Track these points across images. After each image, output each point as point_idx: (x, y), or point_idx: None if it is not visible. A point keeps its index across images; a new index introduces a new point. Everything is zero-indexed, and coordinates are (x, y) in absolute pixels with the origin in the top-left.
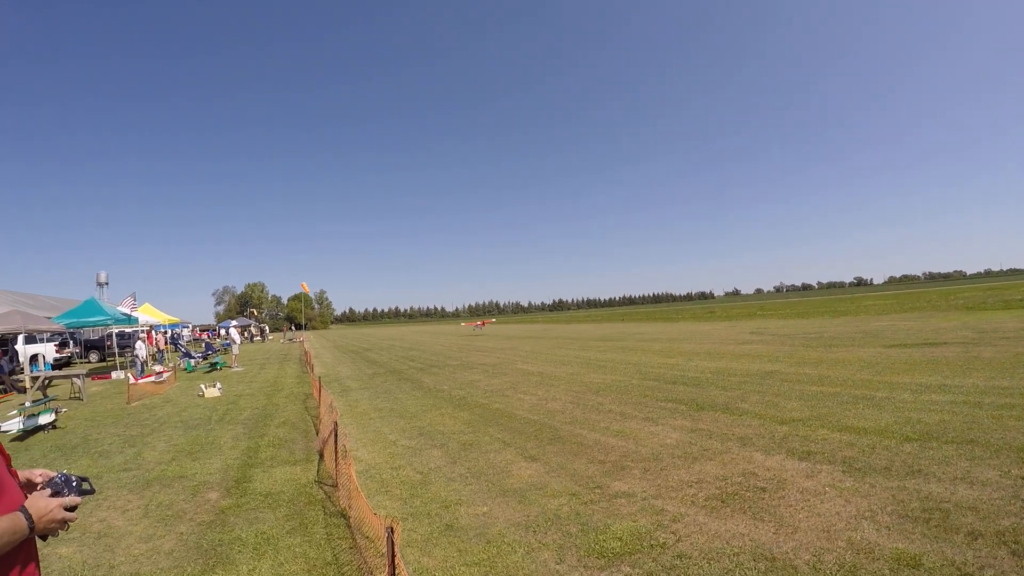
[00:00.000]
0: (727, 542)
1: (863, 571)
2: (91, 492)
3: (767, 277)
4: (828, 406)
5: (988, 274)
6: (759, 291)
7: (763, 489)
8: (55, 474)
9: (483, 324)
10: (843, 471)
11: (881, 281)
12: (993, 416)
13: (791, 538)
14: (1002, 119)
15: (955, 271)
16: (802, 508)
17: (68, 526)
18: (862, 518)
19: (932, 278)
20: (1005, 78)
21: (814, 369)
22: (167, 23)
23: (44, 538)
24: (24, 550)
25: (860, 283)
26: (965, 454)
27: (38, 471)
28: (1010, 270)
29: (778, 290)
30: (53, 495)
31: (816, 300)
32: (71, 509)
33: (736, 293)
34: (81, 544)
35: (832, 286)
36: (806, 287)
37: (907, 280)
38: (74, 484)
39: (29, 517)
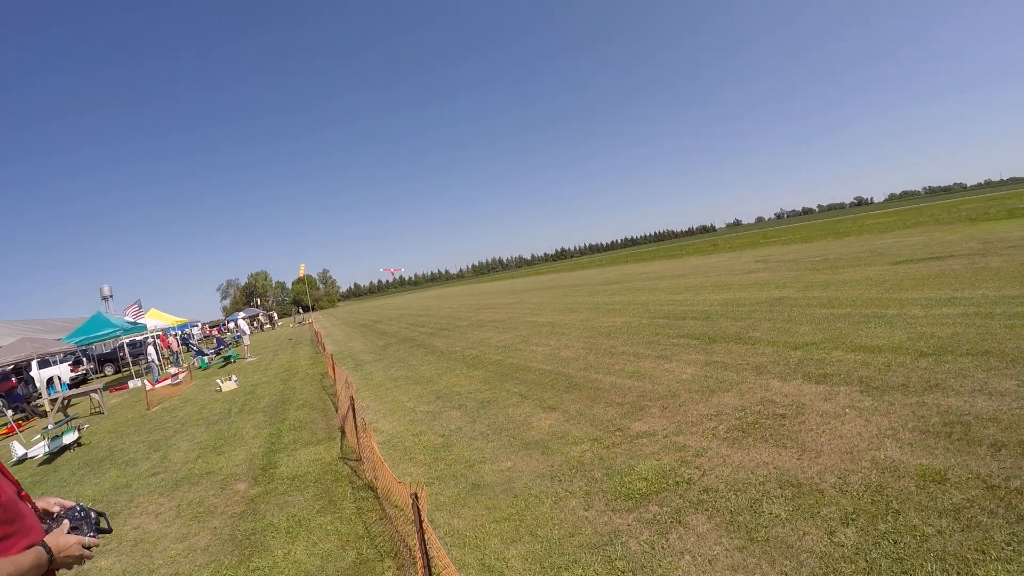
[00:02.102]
0: (752, 472)
1: (889, 490)
2: (108, 531)
3: (767, 205)
4: (840, 327)
5: (989, 184)
6: (760, 219)
7: (783, 416)
8: (72, 504)
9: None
10: (861, 391)
11: (881, 199)
12: (1006, 326)
13: (815, 462)
14: (996, 28)
15: (955, 183)
16: (823, 432)
17: (84, 562)
18: (884, 437)
19: (932, 192)
20: None
21: (822, 292)
22: (135, 20)
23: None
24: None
25: (860, 203)
26: (981, 365)
27: (53, 500)
28: (1011, 179)
29: (779, 217)
30: (71, 529)
31: (818, 223)
32: (88, 547)
33: (737, 224)
34: (119, 554)
35: (833, 208)
36: (807, 211)
37: (908, 196)
38: (93, 520)
39: (49, 552)
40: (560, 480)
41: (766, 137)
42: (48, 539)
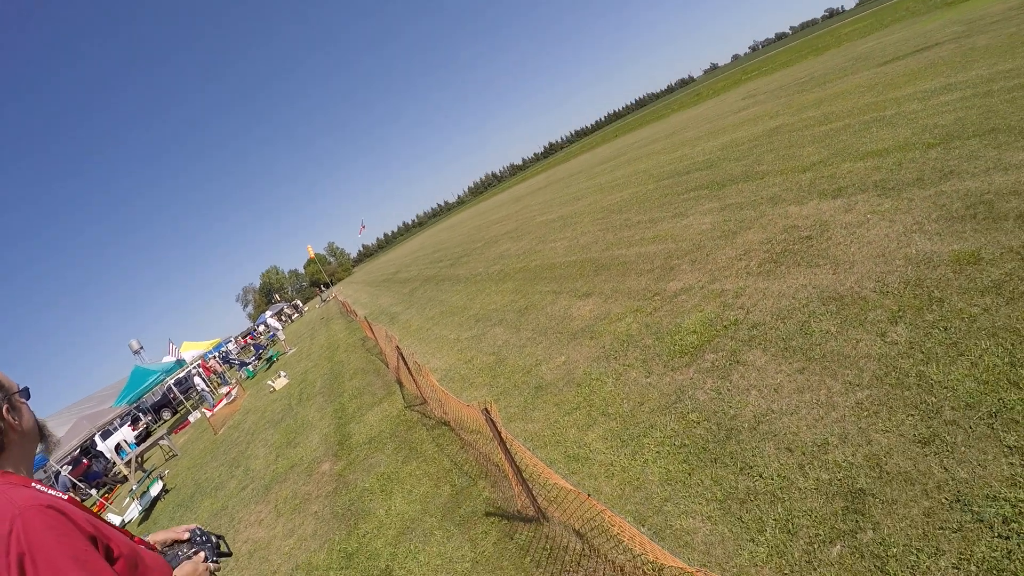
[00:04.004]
0: (793, 298)
1: (928, 281)
2: (228, 555)
3: (739, 41)
4: (843, 140)
5: None
6: (736, 57)
7: (808, 238)
8: (194, 527)
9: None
10: (878, 195)
11: (853, 5)
12: (1007, 101)
13: (851, 273)
14: None
15: None
16: (852, 242)
17: None
18: (911, 233)
19: None
20: None
21: (816, 110)
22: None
23: None
24: None
25: (832, 14)
26: (991, 143)
27: (181, 528)
28: None
29: (754, 49)
30: (196, 551)
31: (795, 45)
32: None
33: (715, 68)
34: (239, 570)
35: (806, 26)
36: (780, 36)
37: None
38: (214, 544)
39: None
40: (615, 357)
41: None
42: (177, 573)
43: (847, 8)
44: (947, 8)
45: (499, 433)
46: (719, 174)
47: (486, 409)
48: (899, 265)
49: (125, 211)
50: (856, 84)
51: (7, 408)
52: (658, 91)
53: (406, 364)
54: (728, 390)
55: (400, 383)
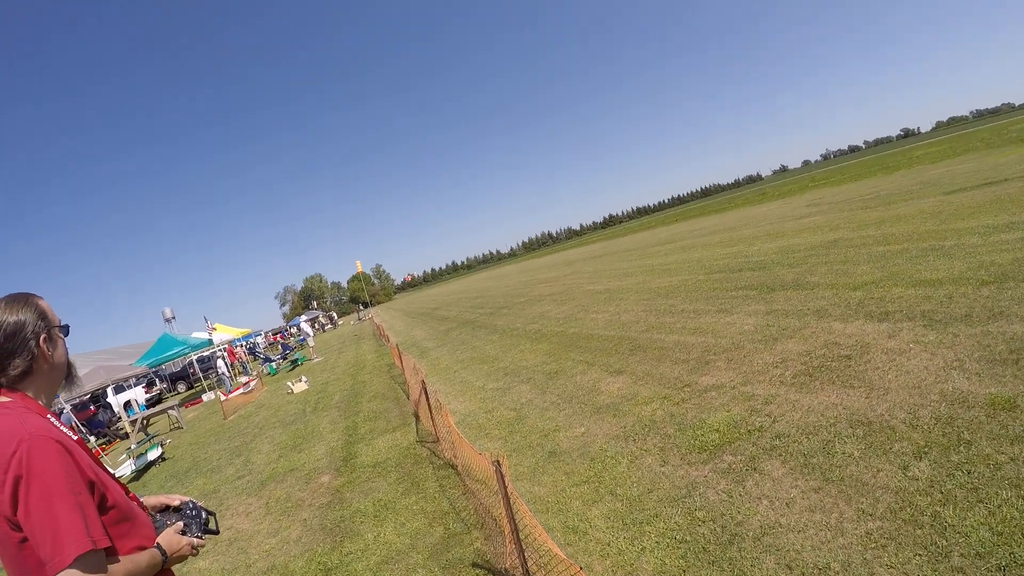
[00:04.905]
0: (822, 415)
1: (960, 421)
2: (215, 532)
3: (813, 147)
4: (898, 264)
5: None
6: (807, 163)
7: (848, 357)
8: (187, 500)
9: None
10: (924, 325)
11: (929, 128)
12: None
13: (883, 400)
14: None
15: (1003, 104)
16: (889, 369)
17: (197, 552)
18: (951, 369)
19: (980, 116)
20: None
21: (877, 230)
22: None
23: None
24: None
25: (908, 134)
26: None
27: (175, 496)
28: None
29: (825, 157)
30: (185, 526)
31: (866, 160)
32: (196, 548)
33: (784, 170)
34: (216, 554)
35: (880, 143)
36: (853, 149)
37: (955, 122)
38: (203, 520)
39: (164, 552)
40: (634, 440)
41: (808, 79)
42: (161, 540)
43: (923, 131)
44: (1022, 144)
45: (505, 488)
46: (770, 277)
47: (498, 462)
48: (933, 400)
49: (208, 188)
50: (920, 209)
51: (44, 338)
52: (724, 183)
53: (427, 399)
54: (740, 495)
55: (417, 416)
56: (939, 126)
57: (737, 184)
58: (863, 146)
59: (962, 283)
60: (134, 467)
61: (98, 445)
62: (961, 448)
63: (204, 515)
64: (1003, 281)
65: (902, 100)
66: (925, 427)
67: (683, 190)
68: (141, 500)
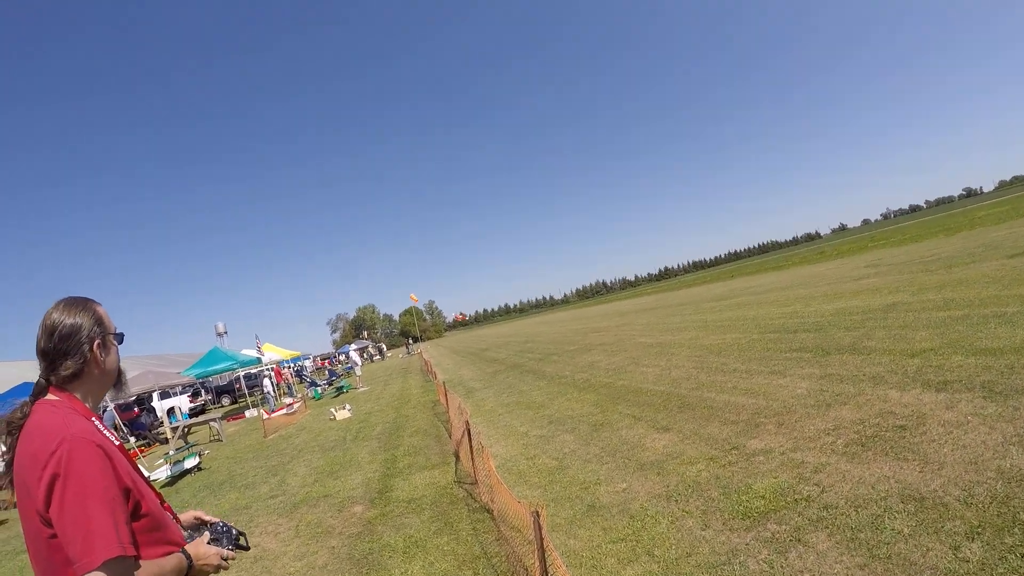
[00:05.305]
0: (872, 487)
1: (1016, 501)
2: (246, 548)
3: (872, 205)
4: (958, 330)
5: None
6: (867, 221)
7: (903, 427)
8: (216, 520)
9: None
10: (984, 397)
11: (992, 188)
12: None
13: (938, 475)
14: None
15: None
16: (946, 442)
17: (219, 572)
18: (1010, 444)
19: None
20: None
21: (937, 294)
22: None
23: None
24: None
25: (970, 194)
26: None
27: (201, 512)
28: None
29: (886, 217)
30: (212, 541)
31: (927, 220)
32: (226, 559)
33: (843, 228)
34: (239, 570)
35: (941, 203)
36: (914, 208)
37: (1019, 182)
38: (234, 536)
39: (189, 558)
40: (676, 500)
41: (870, 138)
42: (189, 547)
43: (985, 190)
44: None
45: (541, 539)
46: (826, 340)
47: (537, 512)
48: (990, 477)
49: (274, 205)
50: (982, 273)
51: (99, 343)
52: (782, 240)
53: (470, 440)
54: (782, 566)
55: (457, 456)
56: (1002, 185)
57: (795, 241)
58: (924, 206)
59: None
60: (170, 473)
61: (137, 446)
62: (1016, 530)
63: (235, 533)
64: None
65: (964, 159)
66: (980, 505)
67: (740, 245)
68: (175, 513)
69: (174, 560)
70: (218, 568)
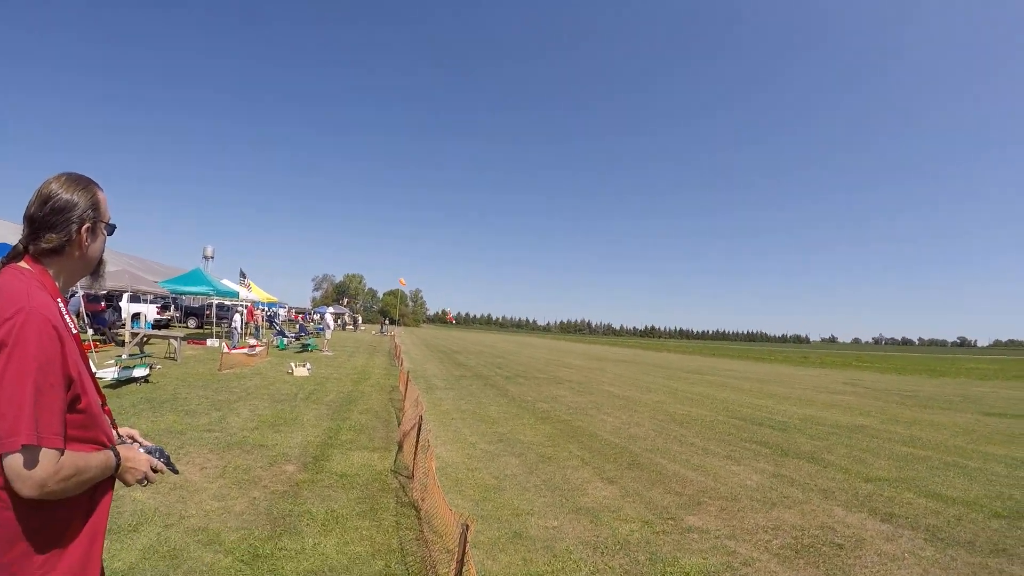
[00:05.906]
0: None
1: None
2: (175, 471)
3: (867, 327)
4: (917, 469)
5: None
6: (857, 340)
7: (840, 546)
8: (153, 445)
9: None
10: (925, 539)
11: (986, 343)
12: None
13: None
14: None
15: None
16: (877, 572)
17: (145, 483)
18: None
19: None
20: None
21: (906, 429)
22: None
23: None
24: (107, 480)
25: (963, 343)
26: None
27: (141, 438)
28: None
29: (877, 341)
30: (145, 452)
31: (916, 356)
32: (155, 470)
33: (832, 340)
34: (156, 491)
35: (934, 343)
36: (906, 341)
37: (1014, 345)
38: (166, 455)
39: (118, 457)
40: (602, 552)
41: (873, 259)
42: (120, 448)
43: (979, 344)
44: None
45: (464, 553)
46: (788, 441)
47: (467, 525)
48: None
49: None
50: (954, 422)
51: (88, 227)
52: (771, 334)
53: (418, 435)
54: None
55: (400, 447)
56: (996, 344)
57: (783, 339)
58: (916, 341)
59: (975, 508)
60: (116, 377)
61: (92, 340)
62: None
63: (167, 457)
64: (1016, 519)
65: (968, 309)
66: None
67: (729, 327)
68: (114, 420)
69: (102, 456)
70: (145, 477)
